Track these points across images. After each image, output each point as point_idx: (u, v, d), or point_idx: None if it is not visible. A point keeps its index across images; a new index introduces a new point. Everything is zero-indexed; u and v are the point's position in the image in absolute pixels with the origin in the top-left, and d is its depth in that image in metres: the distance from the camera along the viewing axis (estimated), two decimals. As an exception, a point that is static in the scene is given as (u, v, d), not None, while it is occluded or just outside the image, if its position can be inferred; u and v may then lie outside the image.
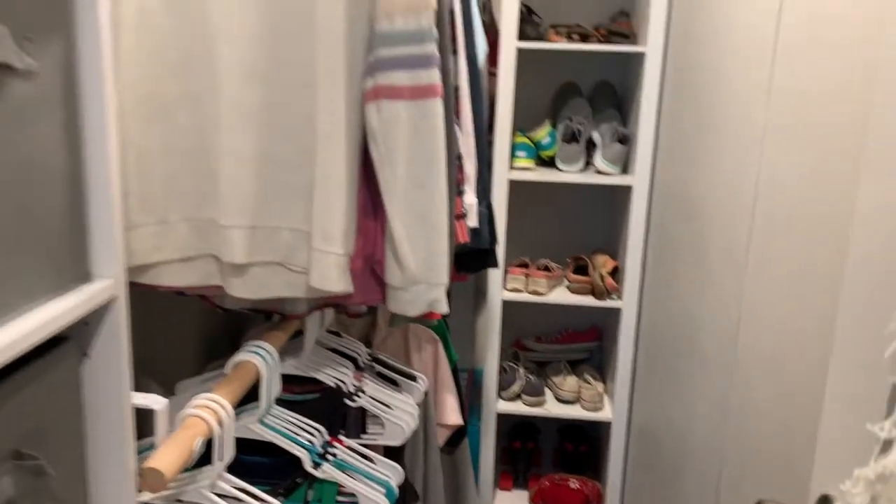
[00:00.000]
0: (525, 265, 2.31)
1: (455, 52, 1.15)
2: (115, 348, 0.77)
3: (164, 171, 1.01)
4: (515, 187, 2.19)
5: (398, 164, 0.99)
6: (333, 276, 1.00)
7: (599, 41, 2.15)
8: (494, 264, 1.46)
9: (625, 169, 2.20)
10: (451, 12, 1.12)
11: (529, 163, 2.20)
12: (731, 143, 1.48)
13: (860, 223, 0.84)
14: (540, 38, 2.19)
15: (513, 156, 2.19)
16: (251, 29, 0.97)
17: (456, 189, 1.14)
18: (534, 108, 2.38)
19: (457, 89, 1.16)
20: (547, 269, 2.29)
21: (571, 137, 2.21)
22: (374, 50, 0.98)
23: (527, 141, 2.22)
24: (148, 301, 1.17)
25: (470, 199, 1.22)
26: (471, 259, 1.34)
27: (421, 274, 1.02)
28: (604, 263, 2.25)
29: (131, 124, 0.98)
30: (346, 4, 0.96)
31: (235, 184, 1.01)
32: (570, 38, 2.16)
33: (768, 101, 1.28)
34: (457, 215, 1.15)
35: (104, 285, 0.72)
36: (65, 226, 0.67)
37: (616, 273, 2.24)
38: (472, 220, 1.22)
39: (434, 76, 0.98)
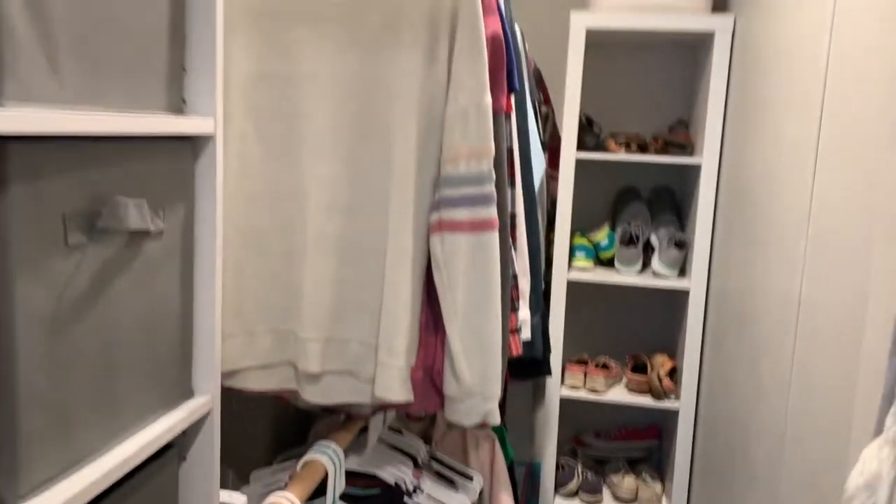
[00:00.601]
0: (584, 362, 2.38)
1: (513, 183, 1.28)
2: (208, 451, 0.89)
3: (256, 290, 1.16)
4: (575, 286, 2.28)
5: (458, 288, 1.11)
6: (396, 387, 1.12)
7: (657, 151, 2.26)
8: (548, 372, 1.55)
9: (682, 272, 2.27)
10: (510, 150, 1.26)
11: (588, 263, 2.30)
12: (779, 255, 1.54)
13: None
14: (600, 146, 2.31)
15: (572, 256, 2.30)
16: (336, 172, 1.13)
17: (511, 305, 1.25)
18: (594, 210, 2.49)
19: (514, 216, 1.29)
20: (605, 366, 2.35)
21: (629, 240, 2.30)
22: (441, 189, 1.12)
23: (586, 242, 2.32)
24: (228, 397, 1.31)
25: (524, 313, 1.32)
26: (525, 367, 1.43)
27: (476, 387, 1.12)
28: (662, 364, 2.30)
29: (231, 249, 1.14)
30: (418, 153, 1.11)
31: (315, 302, 1.15)
32: (628, 147, 2.28)
33: (809, 216, 1.36)
34: (511, 330, 1.25)
35: (204, 401, 0.85)
36: (177, 355, 0.81)
37: (674, 373, 2.28)
38: (526, 333, 1.32)
39: (492, 212, 1.11)
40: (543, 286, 2.00)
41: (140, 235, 0.74)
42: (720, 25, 2.06)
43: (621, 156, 2.23)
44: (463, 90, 1.09)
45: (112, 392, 0.71)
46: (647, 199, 2.47)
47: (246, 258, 1.15)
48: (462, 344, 1.12)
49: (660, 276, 2.25)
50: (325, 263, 1.14)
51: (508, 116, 1.23)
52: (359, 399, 1.18)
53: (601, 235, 2.35)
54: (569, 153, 2.19)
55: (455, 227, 1.11)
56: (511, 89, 1.19)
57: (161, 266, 0.78)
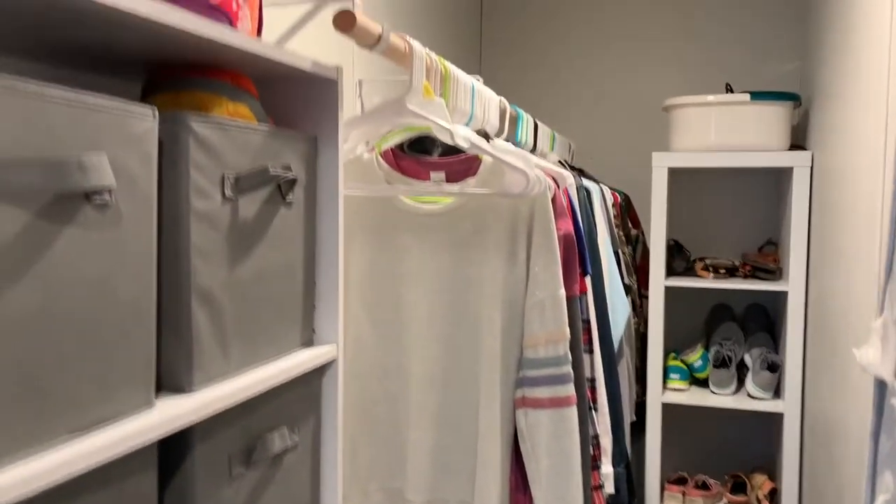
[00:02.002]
0: (683, 481, 2.43)
1: (591, 350, 1.44)
2: None
3: (368, 453, 1.37)
4: (671, 406, 2.36)
5: (541, 458, 1.27)
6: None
7: (745, 276, 2.35)
8: (634, 517, 1.66)
9: (777, 393, 2.31)
10: (587, 321, 1.43)
11: (683, 384, 2.39)
12: (865, 383, 1.61)
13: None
14: (689, 269, 2.43)
15: (667, 377, 2.39)
16: (434, 353, 1.33)
17: (592, 464, 1.40)
18: (686, 329, 2.58)
19: (593, 380, 1.44)
20: (705, 486, 2.40)
21: (722, 363, 2.38)
22: (523, 369, 1.30)
23: (680, 364, 2.41)
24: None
25: (606, 469, 1.46)
26: (612, 511, 1.56)
27: (562, 545, 1.27)
28: (762, 484, 2.32)
29: (347, 419, 1.36)
30: (503, 338, 1.30)
31: (418, 464, 1.34)
32: (716, 272, 2.38)
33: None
34: (594, 487, 1.39)
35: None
36: (308, 537, 1.02)
37: (774, 495, 2.30)
38: (609, 488, 1.46)
39: (569, 389, 1.28)
40: (634, 418, 2.12)
41: (282, 453, 0.96)
42: (798, 161, 2.16)
43: (710, 282, 2.34)
44: (539, 285, 1.28)
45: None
46: (739, 316, 2.54)
47: (359, 426, 1.37)
48: (546, 505, 1.27)
49: (754, 398, 2.30)
50: (425, 431, 1.34)
51: (584, 294, 1.41)
52: (458, 550, 1.34)
53: (695, 357, 2.44)
54: (657, 283, 2.32)
55: (537, 403, 1.28)
56: (585, 273, 1.37)
57: (295, 471, 0.99)
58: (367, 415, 1.37)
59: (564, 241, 1.31)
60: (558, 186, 1.35)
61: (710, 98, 2.24)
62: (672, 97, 2.34)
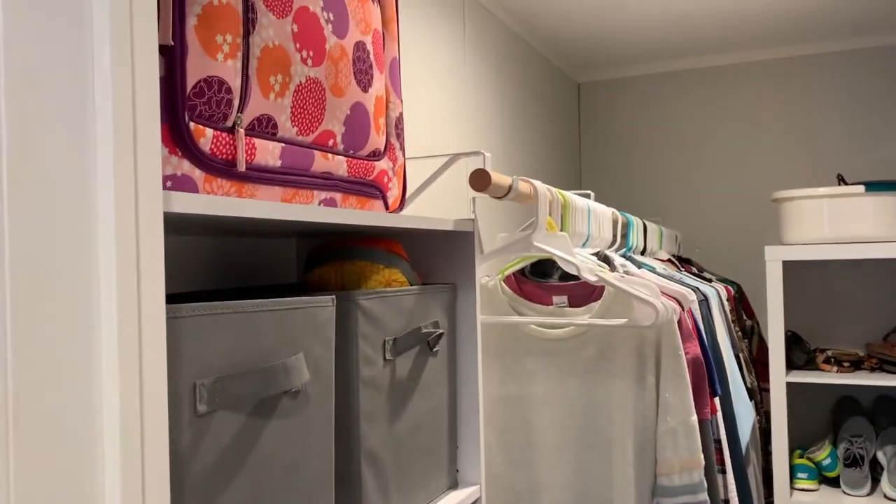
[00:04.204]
0: (818, 587, 2.30)
1: (723, 471, 1.42)
2: None
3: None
4: (799, 509, 2.26)
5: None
6: None
7: (871, 369, 2.26)
8: None
9: (918, 495, 2.18)
10: (718, 440, 1.42)
11: (813, 484, 2.28)
12: None
13: None
14: (810, 362, 2.35)
15: (794, 477, 2.30)
16: (565, 479, 1.35)
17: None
18: (811, 423, 2.48)
19: (727, 501, 1.42)
20: None
21: (853, 461, 2.27)
22: (658, 497, 1.29)
23: (808, 462, 2.32)
24: None
25: None
26: None
27: None
28: None
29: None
30: (636, 463, 1.30)
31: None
32: (840, 365, 2.30)
33: None
34: None
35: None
36: None
37: None
38: None
39: (706, 517, 1.26)
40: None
41: None
42: (922, 251, 2.09)
43: (833, 377, 2.25)
44: (671, 411, 1.29)
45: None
46: (868, 410, 2.43)
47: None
48: None
49: (891, 499, 2.18)
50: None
51: (714, 414, 1.40)
52: None
53: (823, 455, 2.34)
54: (777, 379, 2.26)
55: (674, 532, 1.27)
56: (714, 394, 1.37)
57: None
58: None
59: (693, 365, 1.32)
60: (681, 307, 1.37)
61: (822, 191, 2.21)
62: (780, 189, 2.32)
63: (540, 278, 1.46)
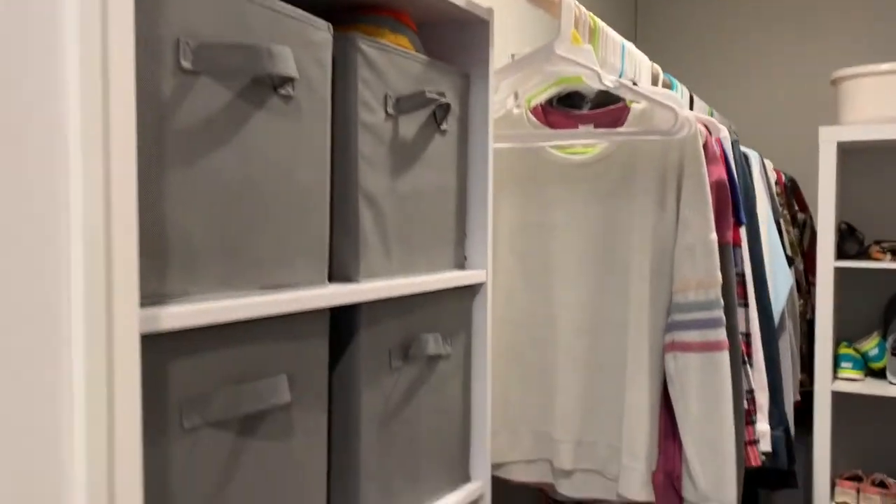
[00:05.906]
0: (857, 478, 2.26)
1: (745, 304, 1.41)
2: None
3: (518, 396, 1.42)
4: (846, 397, 2.22)
5: (690, 401, 1.26)
6: (636, 488, 1.28)
7: (928, 257, 2.17)
8: (794, 485, 1.58)
9: (969, 386, 2.10)
10: (742, 275, 1.40)
11: (857, 374, 2.23)
12: None
13: None
14: (862, 253, 2.28)
15: (837, 366, 2.25)
16: (582, 300, 1.37)
17: (747, 419, 1.36)
18: (861, 318, 2.41)
19: (748, 335, 1.41)
20: (882, 484, 2.22)
21: (902, 351, 2.20)
22: (672, 314, 1.30)
23: (852, 352, 2.26)
24: (498, 485, 1.55)
25: (762, 426, 1.41)
26: (771, 478, 1.50)
27: (711, 493, 1.25)
28: (950, 486, 2.12)
29: (498, 363, 1.42)
30: (652, 283, 1.31)
31: (566, 408, 1.37)
32: (894, 255, 2.22)
33: None
34: (749, 441, 1.35)
35: (478, 485, 1.11)
36: (459, 446, 1.08)
37: (966, 498, 2.08)
38: (765, 445, 1.41)
39: (720, 334, 1.26)
40: (798, 398, 2.01)
41: (436, 358, 1.03)
42: None
43: (886, 264, 2.18)
44: (690, 229, 1.28)
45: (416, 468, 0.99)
46: (923, 305, 2.34)
47: (509, 370, 1.42)
48: (696, 451, 1.26)
49: (940, 389, 2.11)
50: (573, 376, 1.37)
51: (738, 246, 1.38)
52: (606, 496, 1.35)
53: (870, 345, 2.28)
54: (825, 264, 2.19)
55: (686, 347, 1.27)
56: (739, 223, 1.35)
57: (449, 380, 1.06)
58: (517, 360, 1.42)
59: (717, 187, 1.30)
60: (710, 134, 1.35)
61: (885, 67, 2.10)
62: (840, 69, 2.22)
63: (568, 109, 1.46)
